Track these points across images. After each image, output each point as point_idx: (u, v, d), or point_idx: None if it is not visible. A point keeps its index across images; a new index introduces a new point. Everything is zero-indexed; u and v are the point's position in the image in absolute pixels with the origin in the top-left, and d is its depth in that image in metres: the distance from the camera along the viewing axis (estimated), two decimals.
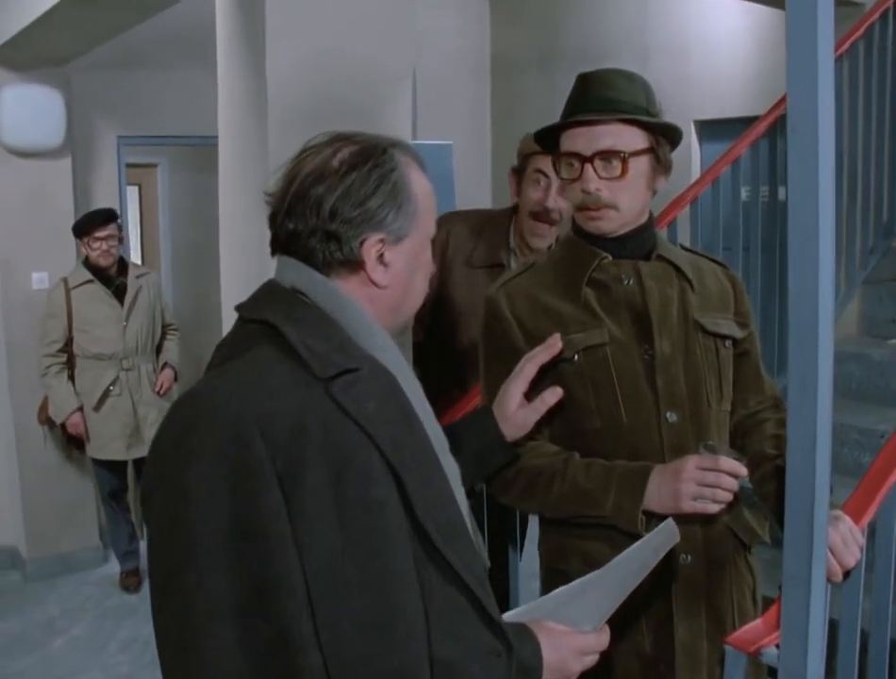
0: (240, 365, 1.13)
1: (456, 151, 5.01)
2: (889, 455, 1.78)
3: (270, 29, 2.34)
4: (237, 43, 2.54)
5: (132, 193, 7.03)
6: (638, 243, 1.74)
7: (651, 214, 1.78)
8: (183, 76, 5.20)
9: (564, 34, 5.87)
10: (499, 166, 6.18)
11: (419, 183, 1.24)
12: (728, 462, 1.54)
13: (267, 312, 1.17)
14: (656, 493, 1.57)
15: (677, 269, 1.74)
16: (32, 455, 4.77)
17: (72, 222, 4.52)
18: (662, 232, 1.86)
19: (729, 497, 1.56)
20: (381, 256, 1.20)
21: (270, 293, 1.22)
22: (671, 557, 1.63)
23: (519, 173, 2.59)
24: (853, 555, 1.52)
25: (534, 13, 6.13)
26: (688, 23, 5.21)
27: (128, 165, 5.60)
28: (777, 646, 1.41)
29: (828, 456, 1.33)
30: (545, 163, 2.44)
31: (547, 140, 1.75)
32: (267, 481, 1.02)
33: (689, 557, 1.66)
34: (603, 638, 1.33)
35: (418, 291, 1.30)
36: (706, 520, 1.64)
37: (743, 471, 1.55)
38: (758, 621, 1.46)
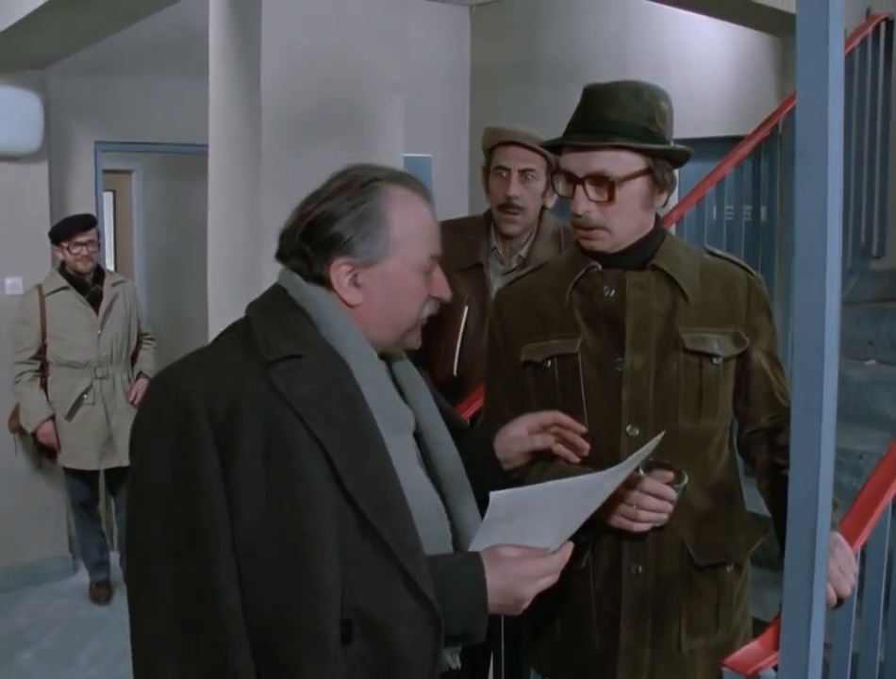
0: (203, 350, 1.36)
1: (434, 161, 5.01)
2: (881, 479, 1.80)
3: (265, 37, 2.33)
4: (230, 51, 2.53)
5: (107, 200, 6.93)
6: (635, 256, 1.72)
7: (657, 223, 1.75)
8: (162, 83, 5.17)
9: (544, 47, 5.89)
10: (476, 176, 6.11)
11: (405, 213, 1.35)
12: (652, 484, 1.56)
13: (251, 306, 1.37)
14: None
15: (672, 279, 1.71)
16: (2, 463, 4.68)
17: (47, 226, 4.45)
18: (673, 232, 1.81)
19: (655, 516, 1.57)
20: (354, 278, 1.33)
21: (268, 290, 1.40)
22: (622, 566, 1.70)
23: (486, 169, 2.58)
24: (849, 584, 1.52)
25: (514, 26, 6.14)
26: (667, 39, 5.23)
27: (104, 171, 5.53)
28: (776, 668, 1.40)
29: (830, 480, 1.32)
30: (505, 156, 2.46)
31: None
32: (207, 449, 1.21)
33: (640, 568, 1.70)
34: (557, 560, 1.34)
35: (404, 314, 1.39)
36: (659, 534, 1.67)
37: (671, 494, 1.56)
38: (756, 643, 1.45)
